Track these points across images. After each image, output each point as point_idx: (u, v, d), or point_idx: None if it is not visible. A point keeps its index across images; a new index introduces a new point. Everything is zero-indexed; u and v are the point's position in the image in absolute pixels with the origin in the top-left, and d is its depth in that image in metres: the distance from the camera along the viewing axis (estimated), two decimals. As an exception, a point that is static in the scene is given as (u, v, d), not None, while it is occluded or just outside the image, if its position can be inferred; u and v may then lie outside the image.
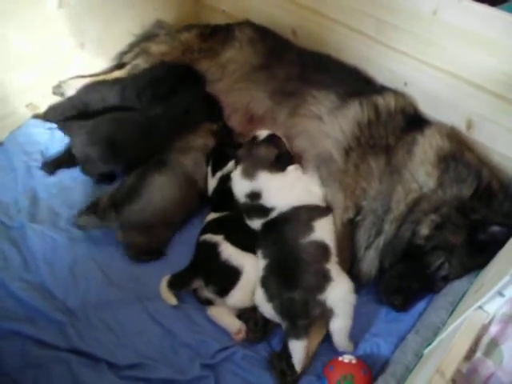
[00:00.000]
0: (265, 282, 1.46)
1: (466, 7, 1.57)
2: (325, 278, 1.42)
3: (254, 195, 1.62)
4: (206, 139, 1.92)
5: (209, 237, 1.62)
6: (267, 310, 1.45)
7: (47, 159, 1.94)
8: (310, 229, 1.52)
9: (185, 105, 1.95)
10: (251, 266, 1.54)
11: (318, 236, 1.51)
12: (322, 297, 1.40)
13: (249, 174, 1.65)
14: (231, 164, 1.78)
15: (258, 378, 1.44)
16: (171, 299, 1.54)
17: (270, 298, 1.43)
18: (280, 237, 1.52)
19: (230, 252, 1.55)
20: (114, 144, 1.81)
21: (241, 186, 1.66)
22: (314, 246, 1.49)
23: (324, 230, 1.54)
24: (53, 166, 1.92)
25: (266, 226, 1.60)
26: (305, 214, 1.56)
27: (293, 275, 1.43)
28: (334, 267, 1.46)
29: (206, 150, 1.88)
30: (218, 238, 1.59)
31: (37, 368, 1.41)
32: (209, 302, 1.57)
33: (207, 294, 1.55)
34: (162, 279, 1.56)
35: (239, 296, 1.52)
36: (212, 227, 1.68)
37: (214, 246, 1.57)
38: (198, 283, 1.56)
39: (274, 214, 1.59)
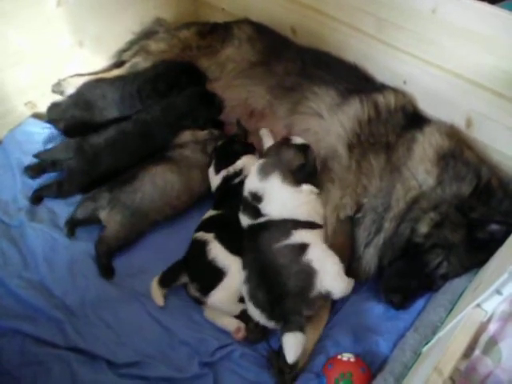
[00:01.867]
0: (254, 300, 1.43)
1: (465, 5, 1.57)
2: (310, 274, 1.40)
3: (256, 197, 1.59)
4: (193, 131, 1.93)
5: (200, 234, 1.63)
6: (263, 321, 1.43)
7: (30, 164, 1.90)
8: (287, 235, 1.48)
9: (183, 108, 1.94)
10: (237, 269, 1.52)
11: (294, 240, 1.46)
12: (315, 291, 1.39)
13: (264, 171, 1.61)
14: (239, 163, 1.76)
15: (256, 375, 1.45)
16: (159, 299, 1.55)
17: (268, 317, 1.41)
18: (257, 244, 1.49)
19: (217, 252, 1.55)
20: (110, 171, 1.82)
21: (251, 181, 1.63)
22: (290, 248, 1.45)
23: (303, 236, 1.49)
24: (36, 170, 1.88)
25: (250, 229, 1.58)
26: (289, 225, 1.51)
27: (278, 287, 1.39)
28: (313, 254, 1.43)
29: (196, 139, 1.90)
30: (208, 236, 1.60)
31: (36, 366, 1.42)
32: (198, 301, 1.57)
33: (193, 291, 1.56)
34: (153, 279, 1.57)
35: (219, 297, 1.51)
36: (206, 225, 1.68)
37: (203, 244, 1.58)
38: (185, 278, 1.57)
39: (261, 220, 1.56)
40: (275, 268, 1.42)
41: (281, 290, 1.39)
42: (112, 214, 1.69)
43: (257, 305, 1.42)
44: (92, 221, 1.73)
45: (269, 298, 1.40)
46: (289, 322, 1.35)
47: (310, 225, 1.55)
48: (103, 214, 1.69)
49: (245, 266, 1.50)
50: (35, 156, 1.88)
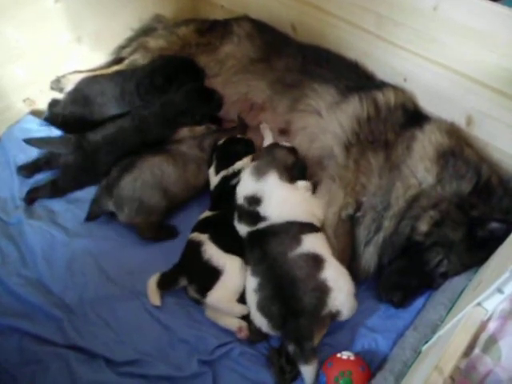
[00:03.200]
0: (265, 311, 1.40)
1: (467, 2, 1.56)
2: (324, 292, 1.39)
3: (255, 200, 1.56)
4: (191, 127, 1.93)
5: (195, 235, 1.63)
6: (268, 330, 1.42)
7: (24, 163, 1.89)
8: (298, 242, 1.47)
9: (182, 105, 1.93)
10: (233, 268, 1.53)
11: (306, 248, 1.46)
12: (327, 310, 1.39)
13: (259, 172, 1.60)
14: (239, 164, 1.76)
15: (256, 374, 1.45)
16: (156, 300, 1.55)
17: (275, 327, 1.40)
18: (267, 252, 1.47)
19: (212, 252, 1.55)
20: (107, 168, 1.81)
21: (245, 186, 1.61)
22: (305, 259, 1.44)
23: (313, 243, 1.49)
24: (30, 170, 1.87)
25: (251, 236, 1.56)
26: (295, 229, 1.50)
27: (294, 301, 1.38)
28: (329, 272, 1.42)
29: (194, 135, 1.91)
30: (203, 237, 1.60)
31: (35, 364, 1.42)
32: (197, 302, 1.56)
33: (192, 292, 1.56)
34: (150, 278, 1.56)
35: (217, 296, 1.50)
36: (201, 226, 1.68)
37: (198, 245, 1.58)
38: (184, 281, 1.57)
39: (262, 225, 1.54)
40: (292, 280, 1.40)
41: (297, 305, 1.37)
42: (125, 213, 1.71)
43: (266, 315, 1.40)
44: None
45: (282, 311, 1.38)
46: (304, 351, 1.35)
47: (312, 227, 1.55)
48: (121, 218, 1.73)
49: (255, 274, 1.46)
50: (28, 141, 1.83)
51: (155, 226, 1.76)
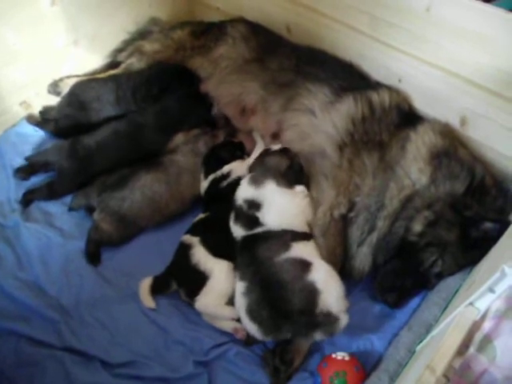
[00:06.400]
0: (254, 315, 1.39)
1: (459, 3, 1.56)
2: (313, 293, 1.38)
3: (254, 205, 1.56)
4: (186, 133, 1.94)
5: (187, 238, 1.63)
6: (258, 335, 1.41)
7: (20, 166, 1.90)
8: (286, 248, 1.46)
9: (177, 115, 1.94)
10: (220, 272, 1.52)
11: (294, 253, 1.45)
12: (318, 310, 1.38)
13: (256, 181, 1.60)
14: (226, 168, 1.78)
15: (251, 374, 1.45)
16: (149, 303, 1.55)
17: (266, 332, 1.39)
18: (255, 256, 1.46)
19: (200, 256, 1.55)
20: (102, 172, 1.83)
21: (244, 191, 1.61)
22: (291, 263, 1.43)
23: (302, 249, 1.48)
24: (26, 172, 1.88)
25: (245, 240, 1.55)
26: (287, 236, 1.50)
27: (282, 302, 1.37)
28: (317, 274, 1.42)
29: (190, 139, 1.92)
30: (194, 240, 1.60)
31: (31, 366, 1.42)
32: (191, 304, 1.56)
33: (183, 296, 1.56)
34: (143, 282, 1.57)
35: (204, 302, 1.50)
36: (194, 228, 1.68)
37: (187, 248, 1.58)
38: (175, 285, 1.57)
39: (258, 230, 1.54)
40: (279, 283, 1.39)
41: (287, 307, 1.37)
42: (101, 216, 1.71)
43: (256, 320, 1.39)
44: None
45: (272, 314, 1.37)
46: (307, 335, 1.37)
47: (305, 236, 1.55)
48: (95, 215, 1.72)
49: (243, 278, 1.46)
50: (27, 159, 1.88)
51: (110, 241, 1.73)
